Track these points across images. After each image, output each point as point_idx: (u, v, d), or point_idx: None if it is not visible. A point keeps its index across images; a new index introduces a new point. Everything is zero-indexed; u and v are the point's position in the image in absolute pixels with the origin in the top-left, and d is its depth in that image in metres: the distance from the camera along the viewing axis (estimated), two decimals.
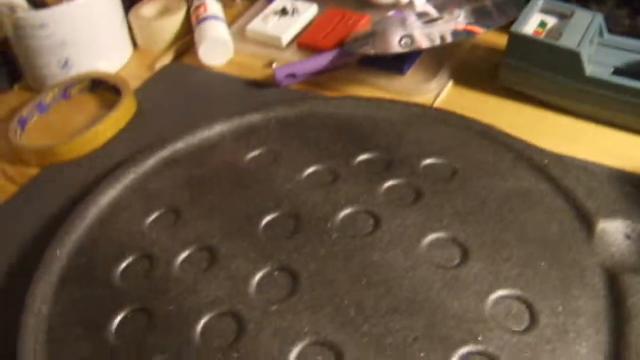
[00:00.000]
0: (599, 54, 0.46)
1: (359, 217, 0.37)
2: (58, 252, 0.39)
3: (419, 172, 0.40)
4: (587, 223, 0.36)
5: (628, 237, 0.35)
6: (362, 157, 0.42)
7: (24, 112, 0.53)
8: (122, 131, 0.51)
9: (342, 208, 0.38)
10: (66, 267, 0.38)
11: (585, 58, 0.44)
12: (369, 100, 0.47)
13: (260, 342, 0.31)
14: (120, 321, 0.34)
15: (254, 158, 0.44)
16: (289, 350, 0.31)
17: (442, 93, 0.50)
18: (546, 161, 0.40)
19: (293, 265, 0.35)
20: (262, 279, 0.35)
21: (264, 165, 0.43)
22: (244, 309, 0.33)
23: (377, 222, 0.37)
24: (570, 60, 0.44)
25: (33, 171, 0.50)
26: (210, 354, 0.31)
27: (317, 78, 0.53)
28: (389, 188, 0.39)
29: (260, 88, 0.53)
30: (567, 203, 0.37)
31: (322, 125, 0.45)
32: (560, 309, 0.32)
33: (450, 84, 0.51)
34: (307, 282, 0.34)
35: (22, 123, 0.53)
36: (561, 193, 0.38)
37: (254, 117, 0.47)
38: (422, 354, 0.30)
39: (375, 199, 0.38)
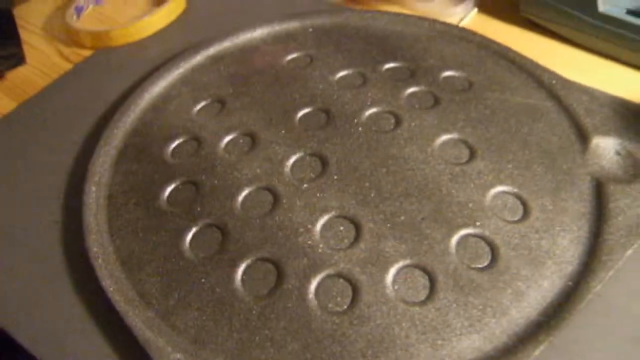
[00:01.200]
0: None
1: (383, 116, 0.42)
2: (115, 132, 0.44)
3: (438, 82, 0.45)
4: (583, 138, 0.40)
5: (618, 153, 0.40)
6: (389, 65, 0.46)
7: (81, 1, 0.58)
8: (172, 24, 0.56)
9: (368, 107, 0.43)
10: (123, 145, 0.44)
11: None
12: (399, 15, 0.51)
13: (292, 213, 0.37)
14: (171, 191, 0.40)
15: (292, 60, 0.48)
16: (317, 221, 0.36)
17: (465, 18, 0.54)
18: (554, 82, 0.44)
19: (323, 152, 0.40)
20: (295, 161, 0.40)
21: (300, 67, 0.47)
22: (279, 186, 0.39)
23: (398, 122, 0.42)
24: None
25: (86, 52, 0.54)
26: (249, 221, 0.37)
27: None
28: (411, 93, 0.44)
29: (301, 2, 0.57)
30: (567, 119, 0.42)
31: (355, 36, 0.50)
32: (550, 207, 0.37)
33: (475, 11, 0.54)
34: (334, 167, 0.39)
35: (79, 11, 0.58)
36: (563, 110, 0.42)
37: (293, 24, 0.51)
38: (428, 231, 0.35)
39: (397, 102, 0.43)
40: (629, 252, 0.35)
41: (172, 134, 0.43)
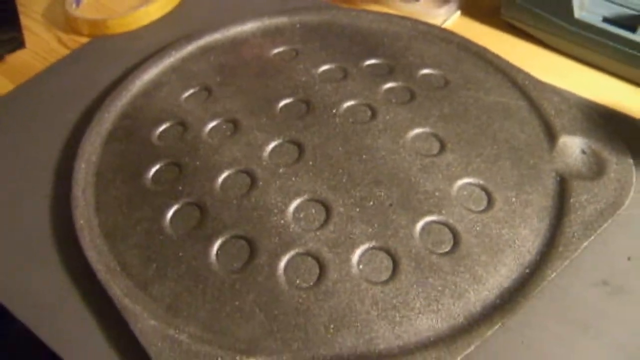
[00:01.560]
0: (592, 4, 0.49)
1: (360, 108, 0.44)
2: (107, 114, 0.46)
3: (416, 79, 0.47)
4: (551, 136, 0.42)
5: (583, 152, 0.42)
6: (370, 61, 0.48)
7: None
8: (168, 15, 0.58)
9: (346, 100, 0.45)
10: (113, 127, 0.46)
11: (576, 3, 0.48)
12: (384, 15, 0.53)
13: (267, 195, 0.39)
14: (156, 171, 0.42)
15: (278, 53, 0.50)
16: (290, 203, 0.38)
17: (448, 20, 0.55)
18: (527, 82, 0.46)
19: (301, 140, 0.42)
20: (274, 147, 0.42)
21: (286, 60, 0.50)
22: (257, 169, 0.41)
23: (374, 114, 0.44)
24: (562, 3, 0.48)
25: (84, 40, 0.57)
26: (227, 201, 0.39)
27: None
28: (388, 89, 0.46)
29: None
30: (537, 118, 0.44)
31: (340, 33, 0.52)
32: (513, 199, 0.39)
33: (458, 13, 0.56)
34: (310, 154, 0.41)
35: (78, 0, 0.60)
36: (534, 110, 0.44)
37: (282, 19, 0.53)
38: (394, 217, 0.37)
39: (375, 96, 0.45)
40: (585, 243, 0.36)
41: (160, 119, 0.45)
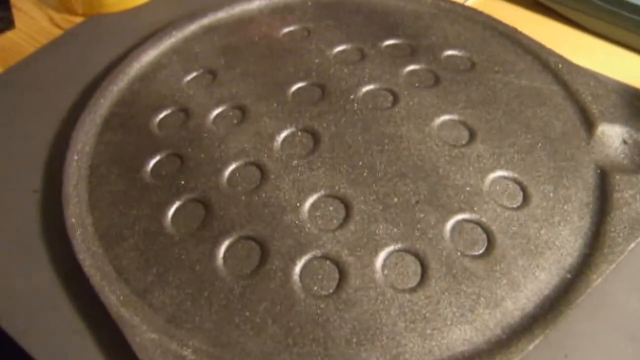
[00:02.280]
0: None
1: (380, 93, 0.40)
2: (102, 100, 0.42)
3: (440, 61, 0.43)
4: (588, 124, 0.39)
5: (624, 142, 0.38)
6: (389, 42, 0.44)
7: None
8: None
9: (365, 84, 0.41)
10: (108, 114, 0.42)
11: None
12: None
13: (279, 190, 0.35)
14: (155, 163, 0.38)
15: (288, 33, 0.46)
16: (305, 199, 0.35)
17: None
18: (560, 65, 0.42)
19: (316, 128, 0.38)
20: (286, 137, 0.38)
21: (297, 40, 0.45)
22: (267, 161, 0.37)
23: (396, 100, 0.40)
24: None
25: (78, 19, 0.53)
26: (234, 197, 0.35)
27: None
28: (411, 71, 0.42)
29: None
30: (573, 105, 0.40)
31: (355, 10, 0.48)
32: (551, 194, 0.35)
33: None
34: (327, 144, 0.37)
35: None
36: (569, 95, 0.41)
37: None
38: (421, 215, 0.34)
39: (396, 79, 0.41)
40: (632, 245, 0.33)
41: (160, 105, 0.41)
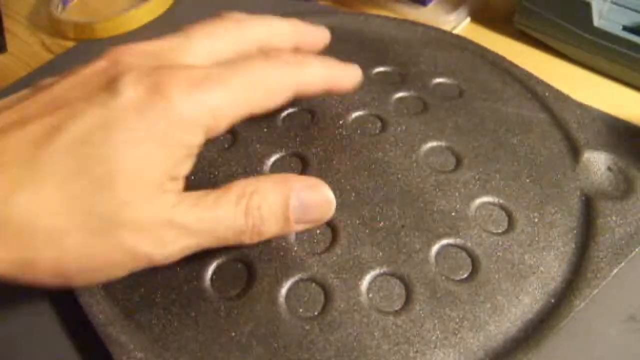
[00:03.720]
0: (611, 12, 0.47)
1: (369, 119, 0.41)
2: None
3: (429, 88, 0.43)
4: (574, 151, 0.39)
5: (609, 169, 0.39)
6: (380, 69, 0.45)
7: None
8: (157, 19, 0.55)
9: (354, 110, 0.41)
10: None
11: (595, 11, 0.45)
12: (393, 19, 0.50)
13: None
14: None
15: None
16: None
17: (458, 27, 0.53)
18: (547, 94, 0.43)
19: (304, 153, 0.38)
20: (275, 161, 0.38)
21: None
22: None
23: (384, 126, 0.40)
24: (581, 11, 0.46)
25: (70, 44, 0.53)
26: None
27: None
28: (400, 98, 0.42)
29: (292, 3, 0.56)
30: (559, 132, 0.41)
31: (347, 38, 0.48)
32: (536, 220, 0.36)
33: (467, 20, 0.54)
34: (315, 168, 0.38)
35: (65, 2, 0.57)
36: (555, 123, 0.41)
37: None
38: (407, 239, 0.34)
39: (385, 106, 0.42)
40: (615, 270, 0.34)
41: None
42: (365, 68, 0.44)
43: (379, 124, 0.40)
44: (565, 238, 0.35)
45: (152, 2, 0.55)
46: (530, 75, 0.44)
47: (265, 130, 0.40)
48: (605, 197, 0.37)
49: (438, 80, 0.44)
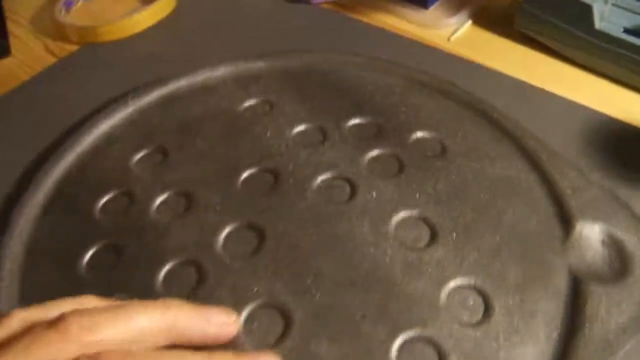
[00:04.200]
0: (612, 14, 0.47)
1: (337, 183, 0.37)
2: (47, 178, 0.40)
3: (407, 145, 0.40)
4: (565, 222, 0.35)
5: (603, 243, 0.35)
6: (355, 120, 0.41)
7: None
8: (160, 22, 0.56)
9: (322, 171, 0.38)
10: (53, 194, 0.39)
11: (596, 13, 0.45)
12: (372, 60, 0.47)
13: (216, 297, 0.32)
14: (93, 254, 0.35)
15: (249, 107, 0.43)
16: (242, 309, 0.32)
17: (459, 30, 0.52)
18: (538, 151, 0.39)
19: (262, 224, 0.35)
20: (230, 233, 0.35)
21: (257, 115, 0.43)
22: (207, 261, 0.34)
23: (354, 192, 0.37)
24: (582, 13, 0.45)
25: (73, 47, 0.54)
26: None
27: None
28: (374, 158, 0.39)
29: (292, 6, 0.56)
30: (550, 198, 0.37)
31: (323, 82, 0.45)
32: (516, 307, 0.32)
33: (469, 23, 0.53)
34: (272, 243, 0.34)
35: (68, 5, 0.58)
36: (546, 186, 0.37)
37: (258, 65, 0.46)
38: (367, 331, 0.30)
39: (356, 167, 0.38)
40: None
41: (106, 185, 0.39)
42: (339, 120, 0.41)
43: (347, 189, 0.37)
44: (548, 328, 0.31)
45: (155, 6, 0.55)
46: (522, 129, 0.40)
47: (221, 195, 0.37)
48: (597, 278, 0.33)
49: (418, 134, 0.40)
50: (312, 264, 0.33)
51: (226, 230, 0.35)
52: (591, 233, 0.35)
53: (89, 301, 0.28)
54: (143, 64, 0.50)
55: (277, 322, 0.31)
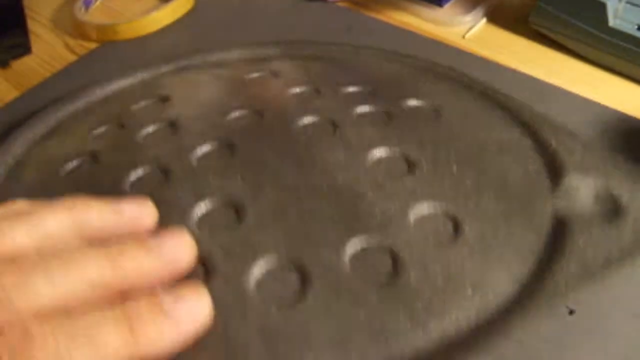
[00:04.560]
0: (626, 12, 0.46)
1: (321, 124, 0.37)
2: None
3: (399, 106, 0.39)
4: (555, 173, 0.33)
5: (597, 195, 0.32)
6: (353, 89, 0.41)
7: None
8: (179, 21, 0.56)
9: (309, 114, 0.38)
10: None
11: (610, 10, 0.44)
12: (380, 51, 0.47)
13: (179, 191, 0.32)
14: None
15: (256, 77, 0.44)
16: (198, 202, 0.31)
17: (474, 27, 0.52)
18: (534, 120, 0.37)
19: (236, 142, 0.35)
20: (206, 151, 0.35)
21: (263, 78, 0.44)
22: (175, 166, 0.34)
23: (335, 130, 0.36)
24: (596, 10, 0.45)
25: (93, 45, 0.55)
26: None
27: None
28: (364, 112, 0.39)
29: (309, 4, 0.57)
30: (542, 154, 0.35)
31: (331, 65, 0.45)
32: (490, 234, 0.30)
33: (483, 20, 0.53)
34: (241, 156, 0.34)
35: (87, 3, 0.59)
36: (539, 146, 0.35)
37: (273, 50, 0.48)
38: (322, 231, 0.29)
39: (344, 115, 0.38)
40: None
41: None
42: (338, 86, 0.41)
43: (330, 128, 0.36)
44: (523, 256, 0.29)
45: (173, 4, 0.56)
46: (525, 106, 0.39)
47: (207, 124, 0.37)
48: (584, 221, 0.30)
49: (413, 102, 0.39)
50: (275, 170, 0.33)
51: (203, 148, 0.35)
52: (583, 185, 0.33)
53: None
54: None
55: (228, 212, 0.31)
